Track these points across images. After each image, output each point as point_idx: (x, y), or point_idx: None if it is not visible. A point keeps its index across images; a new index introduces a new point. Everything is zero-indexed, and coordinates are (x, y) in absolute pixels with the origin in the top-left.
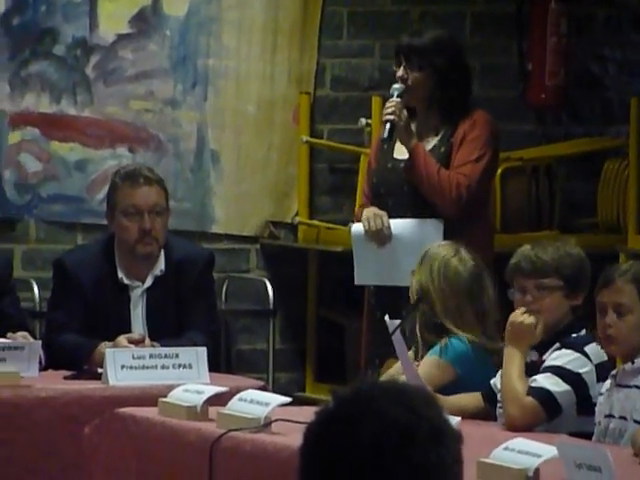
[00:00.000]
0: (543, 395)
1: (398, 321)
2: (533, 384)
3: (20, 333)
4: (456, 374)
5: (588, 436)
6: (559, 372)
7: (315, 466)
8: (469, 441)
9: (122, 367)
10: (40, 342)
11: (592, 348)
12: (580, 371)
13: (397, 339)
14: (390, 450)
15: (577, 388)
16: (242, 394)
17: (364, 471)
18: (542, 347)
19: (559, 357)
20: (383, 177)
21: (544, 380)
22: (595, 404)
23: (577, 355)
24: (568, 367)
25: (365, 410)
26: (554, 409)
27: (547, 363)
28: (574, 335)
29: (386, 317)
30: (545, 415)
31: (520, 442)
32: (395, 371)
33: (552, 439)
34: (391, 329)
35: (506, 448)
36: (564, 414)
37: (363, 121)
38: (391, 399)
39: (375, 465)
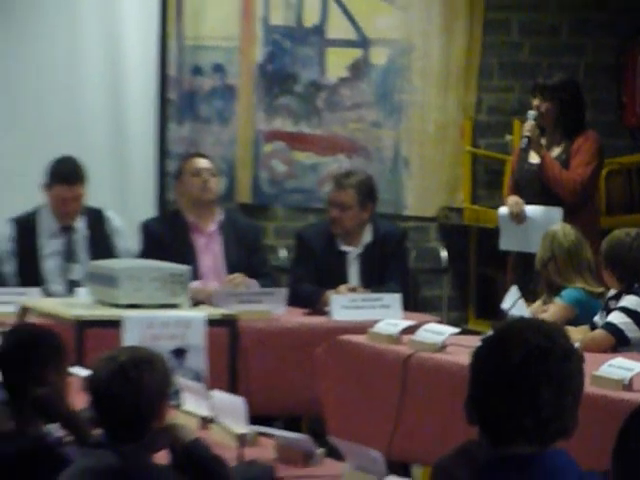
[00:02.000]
0: (608, 326)
1: (516, 294)
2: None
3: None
4: (575, 313)
5: None
6: (622, 310)
7: (480, 378)
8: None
9: (342, 307)
10: (285, 289)
11: None
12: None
13: (516, 305)
14: (533, 366)
15: (636, 320)
16: (425, 326)
17: (515, 381)
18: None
19: (624, 301)
20: (522, 176)
21: (610, 317)
22: None
23: (637, 298)
24: (628, 306)
25: (516, 337)
26: (618, 334)
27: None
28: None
29: (510, 291)
30: (613, 338)
31: (620, 361)
32: (534, 310)
33: None
34: (508, 300)
35: (610, 365)
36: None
37: (508, 137)
38: (534, 330)
39: (523, 376)
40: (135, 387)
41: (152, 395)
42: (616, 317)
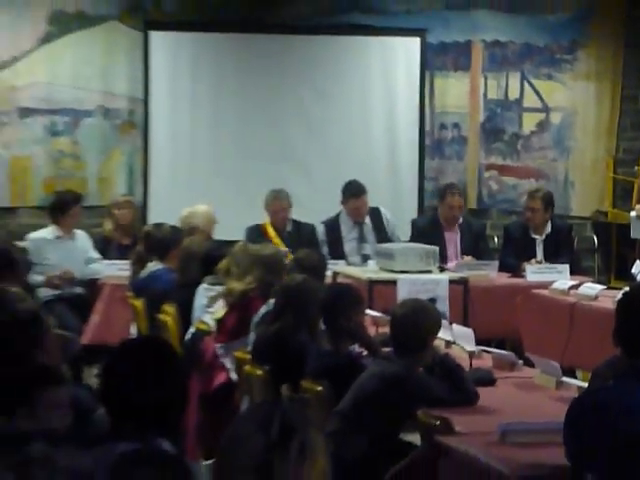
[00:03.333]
0: None
1: (639, 265)
2: None
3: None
4: None
5: None
6: None
7: (621, 316)
8: None
9: (533, 272)
10: (497, 262)
11: None
12: None
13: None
14: None
15: None
16: (584, 284)
17: None
18: None
19: None
20: None
21: None
22: None
23: None
24: None
25: None
26: None
27: None
28: None
29: (636, 263)
30: None
31: None
32: None
33: None
34: (635, 269)
35: None
36: None
37: (636, 168)
38: None
39: None
40: (417, 322)
41: (427, 328)
42: None
